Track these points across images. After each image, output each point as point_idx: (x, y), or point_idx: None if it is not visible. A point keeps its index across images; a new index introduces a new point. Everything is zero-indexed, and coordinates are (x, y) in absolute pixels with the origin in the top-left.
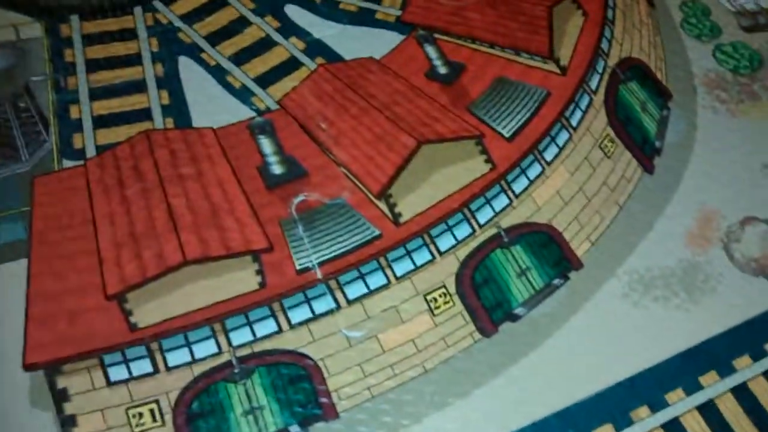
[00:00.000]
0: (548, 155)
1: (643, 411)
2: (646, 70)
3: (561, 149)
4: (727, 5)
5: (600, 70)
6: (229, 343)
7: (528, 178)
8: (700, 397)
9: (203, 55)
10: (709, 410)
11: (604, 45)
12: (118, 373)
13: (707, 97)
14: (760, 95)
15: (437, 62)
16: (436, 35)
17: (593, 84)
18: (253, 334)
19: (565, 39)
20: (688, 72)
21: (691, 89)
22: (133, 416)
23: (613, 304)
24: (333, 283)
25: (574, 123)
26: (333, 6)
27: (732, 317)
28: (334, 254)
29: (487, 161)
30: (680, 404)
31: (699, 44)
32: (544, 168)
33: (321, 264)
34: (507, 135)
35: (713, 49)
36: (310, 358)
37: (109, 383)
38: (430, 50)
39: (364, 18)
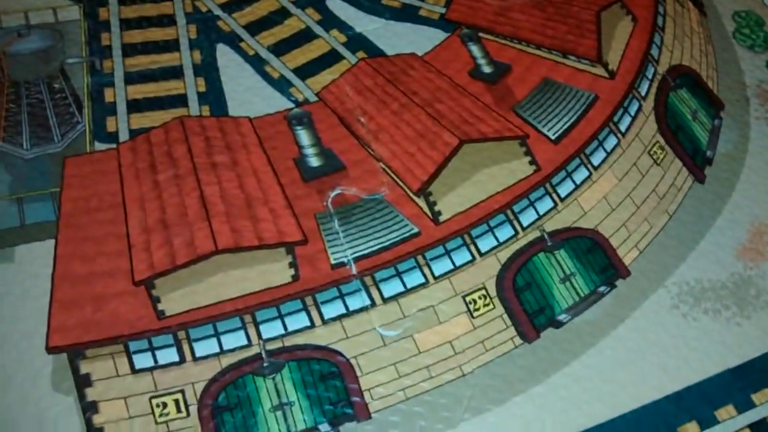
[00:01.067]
0: (595, 159)
1: (692, 427)
2: (696, 78)
3: (609, 154)
4: None
5: (649, 77)
6: (259, 336)
7: (574, 181)
8: (752, 416)
9: (242, 45)
10: (762, 429)
11: (654, 51)
12: (143, 360)
13: (760, 109)
14: None
15: (482, 61)
16: (481, 35)
17: (643, 90)
18: (285, 327)
19: (613, 43)
20: (740, 82)
21: (744, 100)
22: (157, 405)
23: (661, 315)
24: (368, 280)
25: (622, 128)
26: (376, 1)
27: None
28: (370, 250)
29: (531, 163)
30: (731, 422)
31: (752, 55)
32: (591, 172)
33: (356, 259)
34: (553, 137)
35: (767, 60)
36: (343, 355)
37: (134, 371)
38: (475, 49)
39: (407, 14)
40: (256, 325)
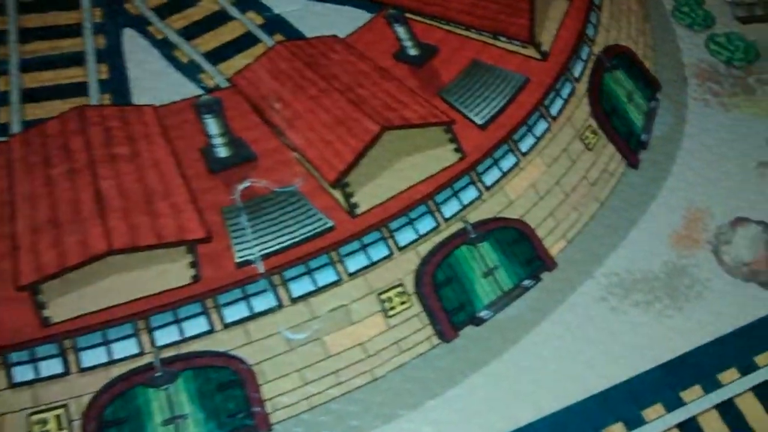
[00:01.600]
0: (524, 146)
1: (618, 428)
2: (633, 58)
3: (538, 140)
4: None
5: (584, 57)
6: (153, 343)
7: (501, 169)
8: (681, 414)
9: (150, 29)
10: (691, 429)
11: (590, 31)
12: (23, 373)
13: (699, 89)
14: (754, 89)
15: (407, 43)
16: (408, 15)
17: (576, 71)
18: (181, 333)
19: (547, 23)
20: (678, 62)
21: (682, 80)
22: (36, 423)
23: (588, 309)
24: (276, 279)
25: (553, 112)
26: None
27: (719, 326)
28: (279, 246)
29: (456, 150)
30: (659, 422)
31: (691, 34)
32: (518, 159)
33: (264, 257)
34: (480, 122)
35: (706, 39)
36: (244, 362)
37: (12, 385)
38: (401, 30)
39: None
40: (150, 331)
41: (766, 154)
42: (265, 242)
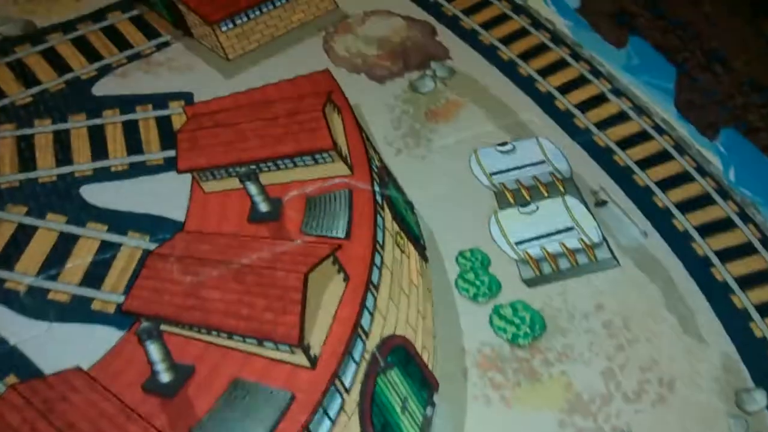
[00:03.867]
0: None
1: None
2: (410, 351)
3: None
4: (510, 252)
5: (357, 357)
6: None
7: None
8: None
9: None
10: None
11: (366, 320)
12: None
13: (479, 383)
14: (540, 373)
15: (159, 366)
16: (164, 327)
17: (347, 379)
18: None
19: (320, 314)
20: (459, 349)
21: (462, 373)
22: None
23: None
24: None
25: None
26: (39, 297)
27: None
28: None
29: None
30: None
31: (474, 308)
32: None
33: None
34: None
35: (491, 313)
36: None
37: None
38: (152, 348)
39: (76, 310)
40: None
41: None
42: None
